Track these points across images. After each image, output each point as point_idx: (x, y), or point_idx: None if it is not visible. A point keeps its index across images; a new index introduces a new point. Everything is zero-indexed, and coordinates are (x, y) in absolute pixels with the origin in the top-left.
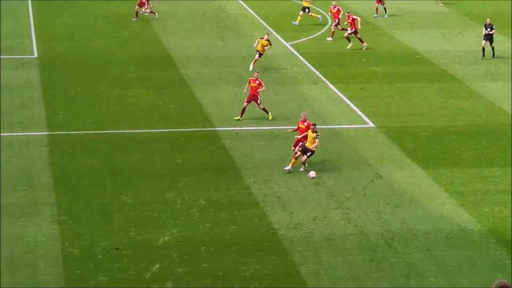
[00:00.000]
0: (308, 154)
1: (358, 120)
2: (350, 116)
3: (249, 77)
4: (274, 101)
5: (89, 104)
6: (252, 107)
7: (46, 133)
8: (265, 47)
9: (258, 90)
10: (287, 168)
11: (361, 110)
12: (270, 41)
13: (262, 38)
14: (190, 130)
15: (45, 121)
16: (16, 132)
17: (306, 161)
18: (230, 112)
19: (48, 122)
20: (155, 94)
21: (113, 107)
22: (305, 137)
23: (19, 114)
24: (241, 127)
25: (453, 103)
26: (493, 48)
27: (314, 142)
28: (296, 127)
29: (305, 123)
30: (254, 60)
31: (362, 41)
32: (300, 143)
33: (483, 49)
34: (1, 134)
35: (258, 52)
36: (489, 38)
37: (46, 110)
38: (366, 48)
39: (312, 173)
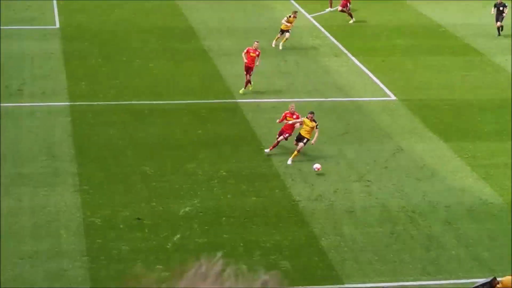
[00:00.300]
0: (304, 141)
1: (379, 93)
2: (371, 89)
3: (270, 49)
4: (296, 74)
5: (110, 75)
6: (274, 77)
7: (67, 103)
8: (292, 24)
9: (256, 64)
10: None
11: (382, 83)
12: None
13: (290, 16)
14: (211, 102)
15: (67, 92)
16: (38, 102)
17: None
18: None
19: (69, 92)
20: (177, 66)
21: (134, 78)
22: (290, 128)
23: (41, 84)
24: (262, 99)
25: (476, 76)
26: (502, 26)
27: (311, 131)
28: (282, 117)
29: (294, 116)
30: (276, 38)
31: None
32: (286, 134)
33: (498, 28)
34: (23, 104)
35: (282, 31)
36: (500, 18)
37: (67, 81)
38: (354, 22)
39: (316, 166)
